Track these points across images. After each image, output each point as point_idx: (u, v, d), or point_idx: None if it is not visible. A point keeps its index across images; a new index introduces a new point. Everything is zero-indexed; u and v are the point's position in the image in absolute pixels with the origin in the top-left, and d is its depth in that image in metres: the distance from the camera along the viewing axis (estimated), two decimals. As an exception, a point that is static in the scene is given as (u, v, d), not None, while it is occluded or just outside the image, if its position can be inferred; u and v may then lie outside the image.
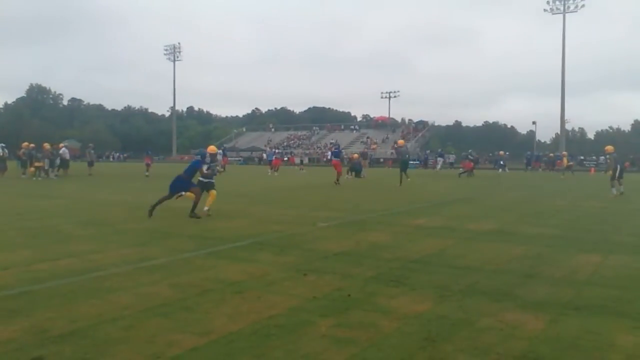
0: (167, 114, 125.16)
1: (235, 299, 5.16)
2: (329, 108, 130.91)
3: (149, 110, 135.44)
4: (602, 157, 58.07)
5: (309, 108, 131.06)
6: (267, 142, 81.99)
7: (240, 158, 74.26)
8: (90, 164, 31.99)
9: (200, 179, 11.94)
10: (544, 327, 4.45)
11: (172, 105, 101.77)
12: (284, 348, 3.87)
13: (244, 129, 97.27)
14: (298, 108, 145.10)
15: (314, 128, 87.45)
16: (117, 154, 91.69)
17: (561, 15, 62.43)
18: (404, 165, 23.81)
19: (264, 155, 67.23)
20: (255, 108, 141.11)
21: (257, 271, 6.35)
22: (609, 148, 18.87)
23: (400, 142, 27.91)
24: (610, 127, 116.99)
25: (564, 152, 41.36)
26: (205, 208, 11.59)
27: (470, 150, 39.78)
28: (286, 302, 5.07)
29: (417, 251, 7.82)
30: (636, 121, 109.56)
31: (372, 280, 6.03)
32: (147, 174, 30.53)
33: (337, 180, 24.19)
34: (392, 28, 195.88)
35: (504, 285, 5.87)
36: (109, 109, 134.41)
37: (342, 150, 32.54)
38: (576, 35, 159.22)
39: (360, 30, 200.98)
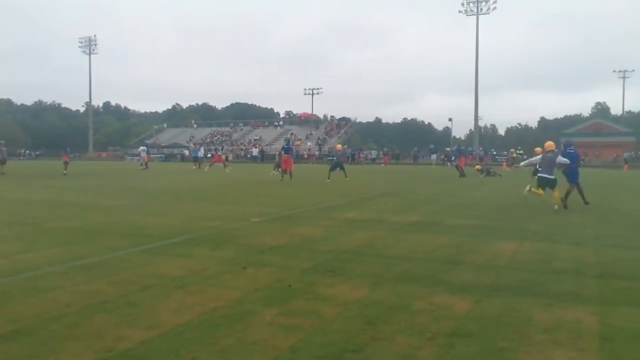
0: (83, 110, 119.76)
1: (178, 293, 5.24)
2: (252, 104, 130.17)
3: (63, 105, 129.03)
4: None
5: (232, 104, 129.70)
6: (189, 138, 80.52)
7: (161, 155, 72.43)
8: (2, 162, 30.22)
9: None
10: (470, 307, 4.87)
11: (87, 100, 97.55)
12: (233, 336, 4.04)
13: (165, 125, 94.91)
14: (220, 104, 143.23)
15: (238, 124, 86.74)
16: (28, 152, 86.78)
17: (475, 17, 65.40)
18: (334, 165, 25.25)
19: (187, 152, 66.25)
20: (176, 104, 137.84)
21: (196, 266, 6.43)
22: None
23: (339, 146, 29.19)
24: (519, 124, 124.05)
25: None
26: None
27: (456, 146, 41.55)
28: (229, 294, 5.22)
29: (349, 243, 8.16)
30: (542, 118, 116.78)
31: (310, 271, 6.28)
32: (65, 172, 29.27)
33: (289, 176, 24.40)
34: (313, 24, 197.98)
35: (432, 271, 6.30)
36: (18, 103, 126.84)
37: (293, 147, 32.30)
38: (488, 36, 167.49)
39: (282, 26, 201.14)
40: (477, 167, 33.48)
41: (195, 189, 19.91)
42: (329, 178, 23.85)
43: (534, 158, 15.61)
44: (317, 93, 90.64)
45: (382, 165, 53.65)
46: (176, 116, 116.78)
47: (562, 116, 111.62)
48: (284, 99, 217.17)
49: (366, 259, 7.03)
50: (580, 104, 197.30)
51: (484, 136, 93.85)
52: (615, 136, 63.72)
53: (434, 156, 51.26)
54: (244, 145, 74.67)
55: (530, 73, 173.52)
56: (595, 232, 9.48)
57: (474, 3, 65.03)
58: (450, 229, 9.71)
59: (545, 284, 5.77)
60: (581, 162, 15.39)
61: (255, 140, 75.70)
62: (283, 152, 25.60)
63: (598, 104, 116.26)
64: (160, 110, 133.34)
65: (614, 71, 78.19)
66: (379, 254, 7.39)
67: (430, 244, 8.10)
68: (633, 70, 77.72)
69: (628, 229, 9.99)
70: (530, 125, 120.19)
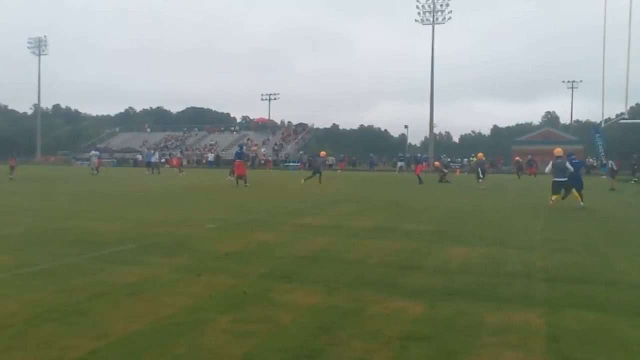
0: (30, 112, 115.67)
1: (129, 301, 5.12)
2: (208, 108, 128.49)
3: (9, 108, 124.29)
4: (466, 159, 62.88)
5: (187, 108, 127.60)
6: (142, 142, 78.88)
7: (113, 160, 70.61)
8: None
9: None
10: (423, 311, 4.94)
11: (36, 102, 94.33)
12: (187, 344, 3.97)
13: (117, 129, 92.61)
14: (175, 108, 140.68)
15: (193, 129, 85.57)
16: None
17: (430, 26, 66.63)
18: (315, 171, 27.51)
19: (140, 157, 64.95)
20: (129, 107, 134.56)
21: (148, 273, 6.29)
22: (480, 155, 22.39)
23: (322, 153, 31.84)
24: (473, 132, 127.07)
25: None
26: None
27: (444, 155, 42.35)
28: (182, 301, 5.13)
29: (305, 248, 8.16)
30: (495, 126, 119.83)
31: (265, 277, 6.25)
32: (11, 176, 28.20)
33: (244, 182, 24.17)
34: (269, 28, 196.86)
35: (386, 276, 6.36)
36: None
37: (248, 152, 32.38)
38: (444, 45, 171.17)
39: (237, 29, 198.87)
40: (436, 163, 34.56)
41: (148, 194, 19.53)
42: (303, 181, 25.79)
43: (548, 166, 16.70)
44: (275, 98, 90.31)
45: (339, 171, 53.94)
46: (129, 120, 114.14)
47: (514, 124, 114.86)
48: (241, 104, 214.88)
49: (322, 264, 7.04)
50: (531, 113, 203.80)
51: (439, 143, 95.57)
52: (564, 144, 65.78)
53: (400, 164, 51.80)
54: (199, 150, 73.73)
55: (483, 82, 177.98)
56: (544, 237, 9.78)
57: (429, 13, 66.16)
58: (405, 234, 9.84)
59: (495, 287, 5.92)
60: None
61: (210, 145, 74.82)
62: (236, 157, 25.45)
63: (548, 113, 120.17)
64: (112, 114, 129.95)
65: (563, 81, 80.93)
66: (335, 259, 7.42)
67: (386, 249, 8.18)
68: (581, 81, 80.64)
69: (574, 233, 10.35)
70: (483, 133, 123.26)
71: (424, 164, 35.99)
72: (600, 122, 32.66)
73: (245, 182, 24.08)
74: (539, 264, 7.22)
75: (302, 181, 26.06)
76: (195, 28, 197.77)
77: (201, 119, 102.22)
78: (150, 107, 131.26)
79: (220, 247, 8.10)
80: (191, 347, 3.92)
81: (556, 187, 15.62)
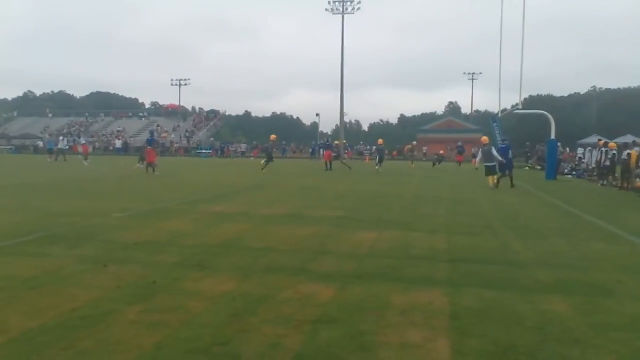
0: None
1: (30, 295, 4.86)
2: (115, 94, 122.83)
3: None
4: (374, 147, 64.42)
5: (92, 93, 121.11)
6: (44, 129, 74.29)
7: (11, 146, 65.90)
8: None
9: None
10: (334, 294, 5.09)
11: None
12: (93, 338, 3.85)
13: (15, 114, 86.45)
14: (79, 92, 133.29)
15: (99, 114, 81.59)
16: None
17: (340, 16, 67.40)
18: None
19: (41, 144, 61.18)
20: (28, 91, 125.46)
21: (52, 266, 6.00)
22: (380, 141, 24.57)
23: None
24: (381, 120, 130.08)
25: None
26: None
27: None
28: (88, 294, 4.95)
29: (217, 236, 8.10)
30: (402, 115, 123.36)
31: (177, 266, 6.15)
32: None
33: (153, 170, 23.74)
34: (176, 13, 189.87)
35: (298, 262, 6.47)
36: None
37: (158, 140, 31.40)
38: (354, 35, 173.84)
39: (142, 13, 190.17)
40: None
41: (50, 183, 18.48)
42: (263, 170, 26.07)
43: (479, 155, 19.96)
44: (185, 84, 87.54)
45: (252, 158, 53.61)
46: (29, 105, 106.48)
47: (419, 114, 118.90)
48: (150, 90, 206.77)
49: (234, 252, 7.03)
50: (435, 103, 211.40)
51: (349, 131, 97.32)
52: (466, 133, 69.04)
53: (322, 151, 52.67)
54: (106, 137, 70.54)
55: (391, 72, 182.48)
56: (447, 221, 10.30)
57: (339, 2, 66.91)
58: (316, 220, 10.00)
59: (402, 269, 6.19)
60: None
61: (118, 131, 71.75)
62: (147, 144, 24.74)
63: (451, 103, 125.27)
64: (9, 98, 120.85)
65: (464, 73, 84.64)
66: (247, 246, 7.43)
67: (297, 236, 8.29)
68: (481, 73, 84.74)
69: (475, 217, 10.97)
70: (391, 122, 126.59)
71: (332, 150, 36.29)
72: (498, 112, 34.54)
73: (154, 170, 23.43)
74: (443, 247, 7.62)
75: (262, 170, 26.18)
76: (97, 10, 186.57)
77: (108, 105, 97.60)
78: (52, 92, 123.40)
79: (128, 237, 7.86)
80: (98, 340, 3.81)
81: (488, 171, 18.73)
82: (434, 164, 37.56)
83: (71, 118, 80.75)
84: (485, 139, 20.06)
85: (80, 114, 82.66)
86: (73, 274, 5.72)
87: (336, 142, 32.18)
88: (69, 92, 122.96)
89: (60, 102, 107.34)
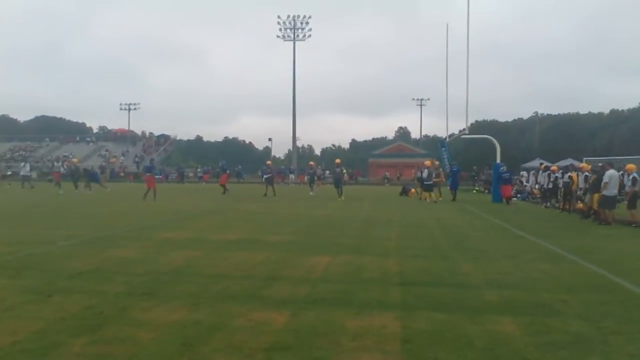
0: None
1: (-34, 330, 4.62)
2: (61, 118, 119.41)
3: None
4: (328, 172, 64.65)
5: (37, 117, 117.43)
6: (-18, 153, 71.29)
7: (-54, 172, 62.72)
8: None
9: None
10: (287, 320, 5.05)
11: None
12: (35, 372, 3.69)
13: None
14: (23, 116, 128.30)
15: (44, 139, 78.89)
16: None
17: (292, 43, 68.12)
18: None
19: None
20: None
21: (-10, 297, 5.73)
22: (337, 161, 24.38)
23: (268, 162, 31.35)
24: (333, 145, 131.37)
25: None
26: None
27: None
28: (31, 326, 4.74)
29: (167, 263, 7.93)
30: (353, 140, 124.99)
31: (124, 295, 5.98)
32: None
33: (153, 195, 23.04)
34: (125, 36, 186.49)
35: (251, 288, 6.40)
36: None
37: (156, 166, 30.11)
38: (305, 61, 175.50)
39: (89, 36, 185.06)
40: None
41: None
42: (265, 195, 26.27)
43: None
44: (135, 108, 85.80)
45: (204, 183, 52.94)
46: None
47: (370, 138, 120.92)
48: (98, 114, 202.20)
49: (185, 279, 6.89)
50: (385, 128, 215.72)
51: (302, 156, 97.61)
52: (415, 157, 70.35)
53: (292, 176, 52.49)
54: (51, 163, 68.23)
55: (343, 97, 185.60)
56: (398, 244, 10.43)
57: (290, 30, 67.73)
58: (269, 245, 9.94)
59: (355, 293, 6.21)
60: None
61: (64, 156, 69.58)
62: (145, 171, 23.92)
63: (400, 128, 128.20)
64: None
65: (413, 99, 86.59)
66: (198, 273, 7.30)
67: (250, 261, 8.21)
68: (429, 99, 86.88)
69: (424, 240, 11.15)
70: (343, 146, 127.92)
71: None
72: (446, 137, 35.53)
73: (154, 196, 22.94)
74: (394, 270, 7.70)
75: (264, 195, 26.37)
76: (41, 32, 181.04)
77: (53, 129, 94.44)
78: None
79: (73, 266, 7.59)
80: (41, 374, 3.65)
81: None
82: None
83: (14, 142, 77.81)
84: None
85: (24, 139, 79.77)
86: (14, 305, 5.47)
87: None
88: (12, 116, 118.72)
89: (2, 126, 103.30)
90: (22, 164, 41.59)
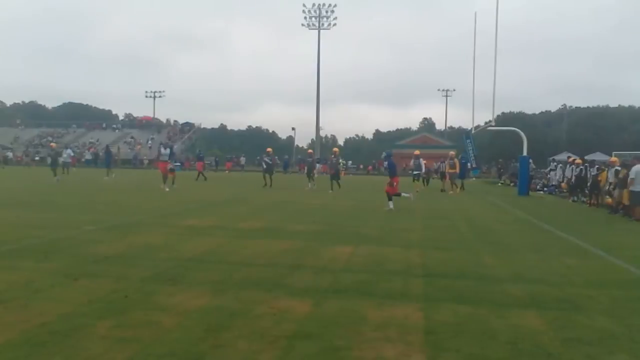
0: None
1: (-4, 310, 4.73)
2: (87, 105, 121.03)
3: None
4: (350, 162, 64.53)
5: (64, 104, 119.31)
6: (13, 139, 72.85)
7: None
8: None
9: None
10: (309, 309, 5.06)
11: None
12: (62, 353, 3.75)
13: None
14: (51, 103, 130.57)
15: (71, 126, 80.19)
16: None
17: (316, 31, 67.96)
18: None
19: (10, 154, 59.90)
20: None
21: (20, 279, 5.85)
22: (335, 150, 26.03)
23: (269, 149, 28.30)
24: (357, 135, 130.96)
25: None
26: None
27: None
28: (58, 308, 4.82)
29: (191, 250, 8.00)
30: (377, 130, 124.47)
31: (149, 280, 6.05)
32: None
33: (172, 182, 22.52)
34: (150, 24, 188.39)
35: (274, 276, 6.42)
36: None
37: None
38: (330, 50, 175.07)
39: (116, 24, 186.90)
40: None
41: (18, 195, 18.06)
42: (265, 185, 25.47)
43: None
44: (160, 96, 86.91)
45: (226, 172, 53.27)
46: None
47: (394, 129, 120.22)
48: (123, 102, 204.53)
49: (208, 266, 6.95)
50: (410, 119, 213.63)
51: (325, 145, 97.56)
52: (440, 148, 69.88)
53: (318, 165, 50.92)
54: (78, 149, 69.40)
55: (367, 88, 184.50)
56: (422, 236, 10.36)
57: (315, 18, 67.54)
58: (292, 234, 9.97)
59: (377, 284, 6.19)
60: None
61: (90, 143, 70.71)
62: (162, 158, 23.24)
63: (425, 119, 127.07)
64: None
65: (439, 90, 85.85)
66: (222, 260, 7.36)
67: (273, 250, 8.24)
68: (454, 90, 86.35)
69: (449, 232, 11.06)
70: (366, 137, 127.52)
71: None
72: (471, 128, 35.09)
73: (173, 182, 22.56)
74: (417, 261, 7.65)
75: (263, 186, 25.34)
76: (69, 22, 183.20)
77: (80, 116, 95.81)
78: (23, 102, 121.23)
79: (100, 250, 7.72)
80: (67, 356, 3.71)
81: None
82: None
83: (42, 129, 79.28)
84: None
85: (51, 125, 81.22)
86: (42, 287, 5.58)
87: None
88: (41, 102, 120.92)
89: (30, 113, 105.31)
90: (64, 149, 41.94)
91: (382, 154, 21.53)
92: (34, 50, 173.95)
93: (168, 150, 23.54)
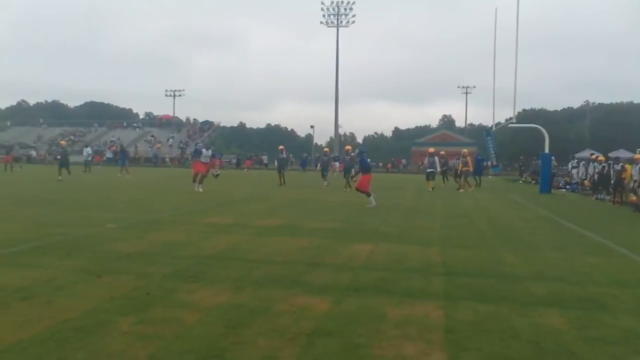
0: None
1: (22, 306, 4.81)
2: (109, 104, 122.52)
3: None
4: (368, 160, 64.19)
5: (86, 102, 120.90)
6: (37, 138, 74.06)
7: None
8: None
9: None
10: (329, 307, 5.06)
11: None
12: (86, 349, 3.80)
13: (8, 123, 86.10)
14: (73, 102, 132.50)
15: (93, 124, 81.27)
16: None
17: (335, 29, 67.79)
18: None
19: (34, 153, 60.93)
20: (22, 100, 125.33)
21: (44, 276, 5.95)
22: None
23: (281, 147, 27.80)
24: (376, 133, 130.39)
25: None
26: None
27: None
28: (81, 304, 4.90)
29: (211, 247, 8.06)
30: (396, 128, 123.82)
31: (170, 277, 6.10)
32: None
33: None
34: (171, 24, 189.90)
35: (293, 273, 6.44)
36: None
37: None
38: (348, 48, 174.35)
39: (136, 24, 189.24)
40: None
41: (41, 193, 18.36)
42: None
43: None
44: (179, 95, 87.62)
45: (245, 170, 53.54)
46: (22, 113, 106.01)
47: (413, 127, 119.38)
48: (144, 100, 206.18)
49: (228, 263, 6.99)
50: (429, 116, 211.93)
51: (344, 143, 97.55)
52: (459, 146, 69.28)
53: (336, 164, 48.48)
54: (100, 147, 70.29)
55: (386, 85, 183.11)
56: (441, 234, 10.30)
57: (334, 15, 67.38)
58: (311, 232, 9.98)
59: (397, 282, 6.17)
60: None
61: (111, 141, 71.58)
62: (204, 160, 21.29)
63: (445, 116, 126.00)
64: (2, 107, 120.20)
65: (458, 87, 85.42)
66: (241, 257, 7.40)
67: (292, 247, 8.26)
68: (474, 87, 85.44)
69: (468, 230, 10.98)
70: (385, 134, 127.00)
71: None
72: (492, 125, 34.74)
73: (201, 182, 20.76)
74: (437, 259, 7.60)
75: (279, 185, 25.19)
76: (91, 21, 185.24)
77: (101, 115, 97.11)
78: (45, 101, 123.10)
79: (121, 248, 7.81)
80: (91, 351, 3.76)
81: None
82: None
83: (64, 128, 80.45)
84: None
85: (73, 124, 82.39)
86: (65, 284, 5.66)
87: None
88: (63, 101, 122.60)
89: (53, 112, 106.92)
90: (85, 148, 42.44)
91: (355, 150, 23.06)
92: (56, 50, 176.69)
93: (210, 152, 22.40)
